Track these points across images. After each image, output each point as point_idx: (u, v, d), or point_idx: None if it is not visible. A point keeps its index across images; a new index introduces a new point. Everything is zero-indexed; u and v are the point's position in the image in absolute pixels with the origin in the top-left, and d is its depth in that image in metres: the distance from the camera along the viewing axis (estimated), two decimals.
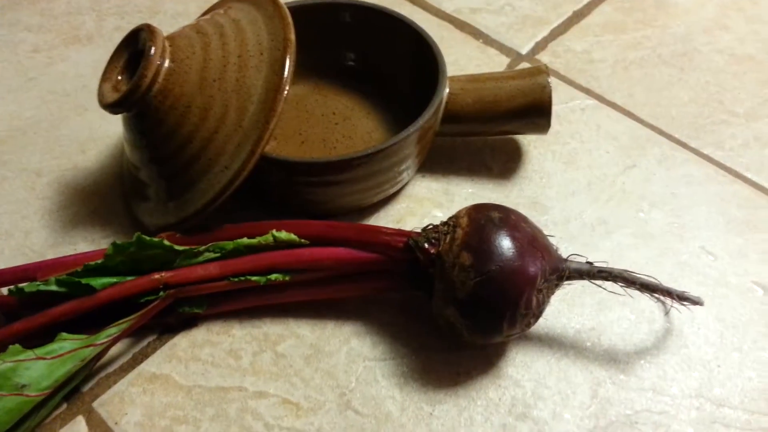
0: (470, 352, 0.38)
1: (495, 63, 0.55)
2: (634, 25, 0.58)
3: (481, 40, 0.57)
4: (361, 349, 0.38)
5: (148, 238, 0.37)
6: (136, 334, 0.38)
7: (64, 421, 0.36)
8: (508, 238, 0.35)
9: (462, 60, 0.55)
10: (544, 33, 0.57)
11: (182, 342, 0.39)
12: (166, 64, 0.38)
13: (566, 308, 0.40)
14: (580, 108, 0.51)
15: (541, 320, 0.38)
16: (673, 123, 0.50)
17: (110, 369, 0.38)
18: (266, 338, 0.39)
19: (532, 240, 0.35)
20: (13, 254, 0.43)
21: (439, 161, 0.47)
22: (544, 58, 0.55)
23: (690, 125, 0.50)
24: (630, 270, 0.36)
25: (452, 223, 0.37)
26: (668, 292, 0.36)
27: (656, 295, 0.36)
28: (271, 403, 0.36)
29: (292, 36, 0.39)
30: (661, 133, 0.50)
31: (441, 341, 0.39)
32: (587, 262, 0.37)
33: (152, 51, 0.38)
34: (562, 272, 0.36)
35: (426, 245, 0.36)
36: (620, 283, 0.36)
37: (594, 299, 0.40)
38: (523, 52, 0.56)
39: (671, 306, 0.38)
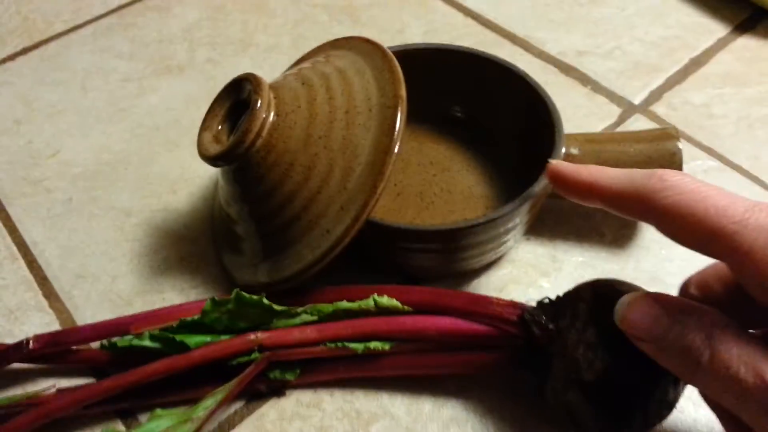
0: None
1: (605, 113, 0.51)
2: (759, 78, 0.53)
3: (589, 87, 0.53)
4: None
5: (247, 295, 0.35)
6: None
7: None
8: None
9: (568, 108, 0.51)
10: (659, 81, 0.53)
11: (271, 413, 0.36)
12: (271, 117, 0.36)
13: (698, 397, 0.36)
14: (702, 170, 0.47)
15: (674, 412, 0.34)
16: None
17: None
18: (358, 416, 0.36)
19: None
20: (100, 300, 0.41)
21: (545, 222, 0.44)
22: (660, 109, 0.51)
23: None
24: None
25: (572, 296, 0.33)
26: None
27: None
28: None
29: (404, 93, 0.36)
30: None
31: None
32: None
33: (258, 104, 0.36)
34: None
35: (544, 320, 0.33)
36: None
37: None
38: (636, 102, 0.51)
39: None
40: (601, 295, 0.33)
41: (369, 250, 0.40)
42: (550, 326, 0.33)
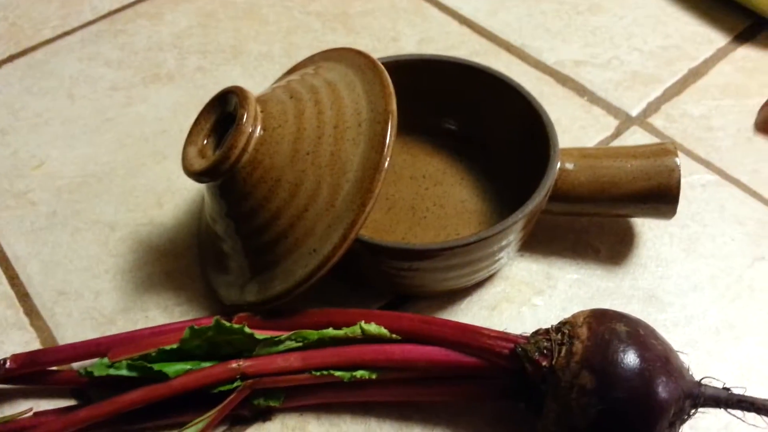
0: None
1: (602, 124, 0.50)
2: (759, 90, 0.52)
3: (585, 98, 0.52)
4: None
5: (227, 324, 0.34)
6: None
7: None
8: (638, 358, 0.30)
9: (564, 120, 0.50)
10: (657, 93, 0.52)
11: None
12: (258, 132, 0.35)
13: None
14: (699, 184, 0.46)
15: None
16: None
17: None
18: None
19: (665, 362, 0.31)
20: (82, 318, 0.40)
21: (539, 239, 0.43)
22: (657, 121, 0.50)
23: None
24: None
25: (567, 331, 0.32)
26: None
27: None
28: None
29: (394, 107, 0.35)
30: None
31: None
32: (724, 388, 0.32)
33: (244, 119, 0.34)
34: (696, 400, 0.31)
35: (537, 356, 0.32)
36: (765, 417, 0.31)
37: (720, 422, 0.35)
38: (634, 113, 0.50)
39: None
40: (597, 332, 0.31)
41: (358, 267, 0.39)
42: (543, 364, 0.32)
